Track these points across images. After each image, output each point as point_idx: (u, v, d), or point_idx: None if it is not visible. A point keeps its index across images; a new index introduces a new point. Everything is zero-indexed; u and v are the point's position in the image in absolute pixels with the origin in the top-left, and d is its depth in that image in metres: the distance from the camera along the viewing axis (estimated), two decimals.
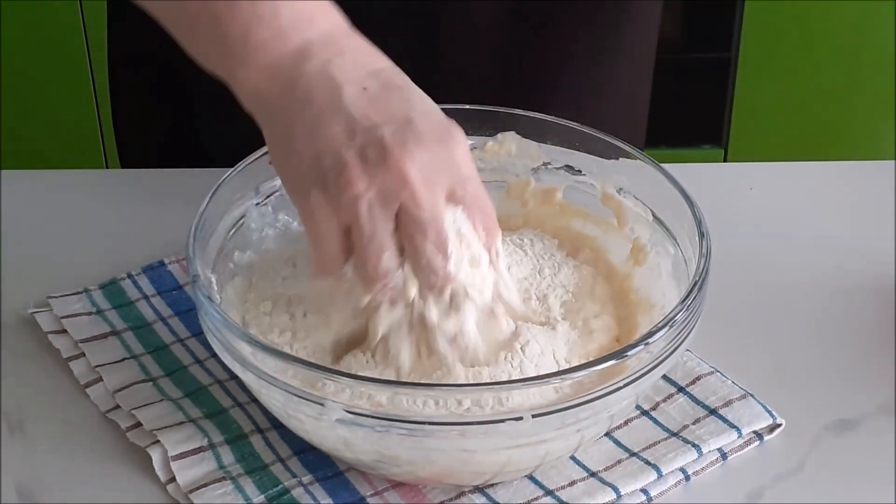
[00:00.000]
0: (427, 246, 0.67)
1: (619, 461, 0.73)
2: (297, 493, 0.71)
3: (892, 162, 0.99)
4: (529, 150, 0.83)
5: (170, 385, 0.78)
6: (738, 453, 0.75)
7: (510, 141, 0.83)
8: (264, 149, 0.79)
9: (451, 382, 0.69)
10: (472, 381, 0.69)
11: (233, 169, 0.78)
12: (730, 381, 0.78)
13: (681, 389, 0.78)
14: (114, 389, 0.78)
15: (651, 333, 0.67)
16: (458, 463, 0.68)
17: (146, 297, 0.85)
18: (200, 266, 0.72)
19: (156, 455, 0.73)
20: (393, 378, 0.70)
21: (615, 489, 0.71)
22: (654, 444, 0.74)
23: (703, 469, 0.74)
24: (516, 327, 0.72)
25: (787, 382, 0.79)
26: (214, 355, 0.74)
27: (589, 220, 0.82)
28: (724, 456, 0.74)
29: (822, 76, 2.02)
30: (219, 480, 0.72)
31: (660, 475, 0.72)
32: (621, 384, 0.66)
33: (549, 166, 0.83)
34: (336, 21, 0.70)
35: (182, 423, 0.75)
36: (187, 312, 0.84)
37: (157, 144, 1.08)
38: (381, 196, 0.66)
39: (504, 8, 0.96)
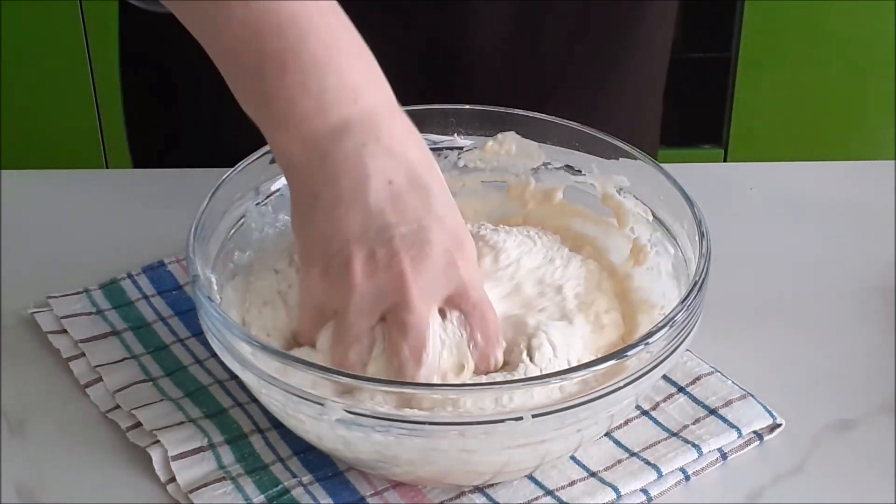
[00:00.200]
0: (404, 348, 0.68)
1: (619, 461, 0.73)
2: (297, 493, 0.71)
3: (892, 162, 0.99)
4: (529, 150, 0.83)
5: (170, 385, 0.78)
6: (738, 453, 0.75)
7: (510, 141, 0.83)
8: (264, 149, 0.79)
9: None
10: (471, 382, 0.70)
11: (233, 169, 0.78)
12: (730, 381, 0.78)
13: (681, 389, 0.78)
14: (114, 389, 0.78)
15: (651, 333, 0.67)
16: (458, 463, 0.68)
17: (146, 297, 0.85)
18: (200, 266, 0.72)
19: (156, 455, 0.73)
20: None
21: (615, 489, 0.71)
22: (654, 444, 0.74)
23: (703, 469, 0.74)
24: (534, 325, 0.72)
25: (787, 382, 0.79)
26: (214, 355, 0.74)
27: (589, 220, 0.82)
28: (724, 456, 0.74)
29: (823, 76, 2.02)
30: (219, 480, 0.72)
31: (660, 475, 0.72)
32: (621, 384, 0.66)
33: (549, 166, 0.83)
34: (381, 98, 0.70)
35: (182, 423, 0.75)
36: (187, 312, 0.84)
37: (169, 143, 1.08)
38: (374, 294, 0.68)
39: (519, 8, 0.96)
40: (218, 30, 0.70)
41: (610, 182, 0.81)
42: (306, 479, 0.72)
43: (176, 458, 0.73)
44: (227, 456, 0.73)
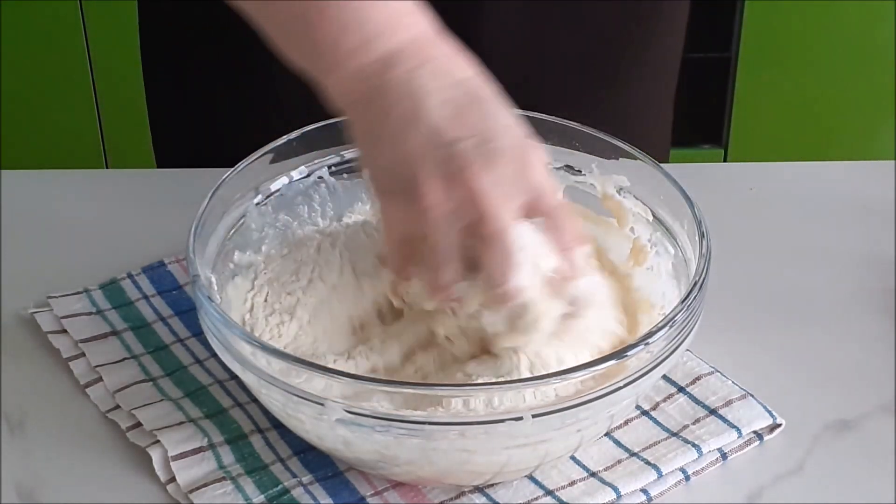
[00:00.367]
0: (492, 261, 0.68)
1: (619, 461, 0.73)
2: (297, 493, 0.71)
3: (892, 162, 0.99)
4: None
5: (170, 385, 0.78)
6: (738, 453, 0.75)
7: None
8: (264, 148, 0.79)
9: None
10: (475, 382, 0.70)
11: (233, 169, 0.78)
12: (730, 381, 0.78)
13: (681, 389, 0.78)
14: (114, 389, 0.78)
15: (651, 333, 0.67)
16: (458, 463, 0.68)
17: (146, 297, 0.85)
18: (200, 266, 0.72)
19: (156, 455, 0.73)
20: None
21: (615, 489, 0.71)
22: (654, 444, 0.74)
23: (703, 469, 0.74)
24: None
25: (787, 382, 0.79)
26: (214, 355, 0.74)
27: (589, 220, 0.82)
28: (724, 456, 0.74)
29: (822, 76, 2.02)
30: (219, 480, 0.72)
31: (660, 475, 0.72)
32: (621, 384, 0.66)
33: (549, 166, 0.83)
34: (424, 26, 0.71)
35: (182, 423, 0.75)
36: (187, 312, 0.84)
37: (193, 142, 1.08)
38: (453, 210, 0.67)
39: (533, 7, 0.96)
40: None
41: (610, 182, 0.81)
42: (306, 479, 0.72)
43: (176, 458, 0.73)
44: (227, 456, 0.73)
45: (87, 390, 0.78)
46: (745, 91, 2.04)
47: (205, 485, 0.71)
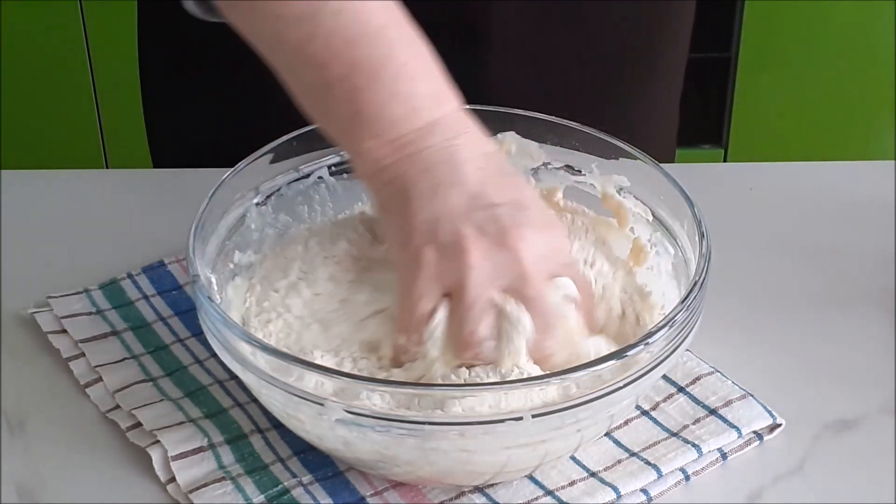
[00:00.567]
0: (535, 321, 0.69)
1: (619, 461, 0.73)
2: (297, 493, 0.71)
3: (892, 162, 0.99)
4: (529, 150, 0.83)
5: (170, 385, 0.78)
6: (738, 453, 0.75)
7: (510, 141, 0.83)
8: (264, 149, 0.79)
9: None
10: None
11: (233, 169, 0.78)
12: (730, 381, 0.78)
13: (681, 389, 0.78)
14: (114, 389, 0.78)
15: (651, 333, 0.67)
16: (458, 463, 0.68)
17: (146, 297, 0.85)
18: (200, 266, 0.72)
19: (156, 455, 0.73)
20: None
21: (615, 489, 0.71)
22: (654, 444, 0.74)
23: (703, 469, 0.74)
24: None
25: (787, 382, 0.79)
26: (214, 355, 0.74)
27: (589, 220, 0.82)
28: (724, 456, 0.74)
29: (822, 76, 2.02)
30: (219, 480, 0.72)
31: (660, 475, 0.72)
32: (621, 384, 0.66)
33: (549, 166, 0.83)
34: (458, 102, 0.73)
35: (182, 423, 0.75)
36: (187, 312, 0.84)
37: (191, 143, 1.08)
38: (492, 269, 0.69)
39: (541, 9, 0.96)
40: (303, 40, 0.71)
41: (610, 182, 0.81)
42: (306, 479, 0.72)
43: (176, 458, 0.73)
44: (227, 456, 0.73)
45: (87, 390, 0.78)
46: (745, 91, 2.04)
47: (205, 485, 0.71)
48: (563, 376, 0.66)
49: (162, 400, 0.77)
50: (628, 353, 0.66)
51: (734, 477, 0.74)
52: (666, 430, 0.75)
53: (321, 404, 0.65)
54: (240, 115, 1.00)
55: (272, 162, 0.80)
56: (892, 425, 0.77)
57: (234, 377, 0.77)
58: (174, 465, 0.72)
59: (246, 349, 0.68)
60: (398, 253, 0.71)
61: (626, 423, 0.76)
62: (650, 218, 0.79)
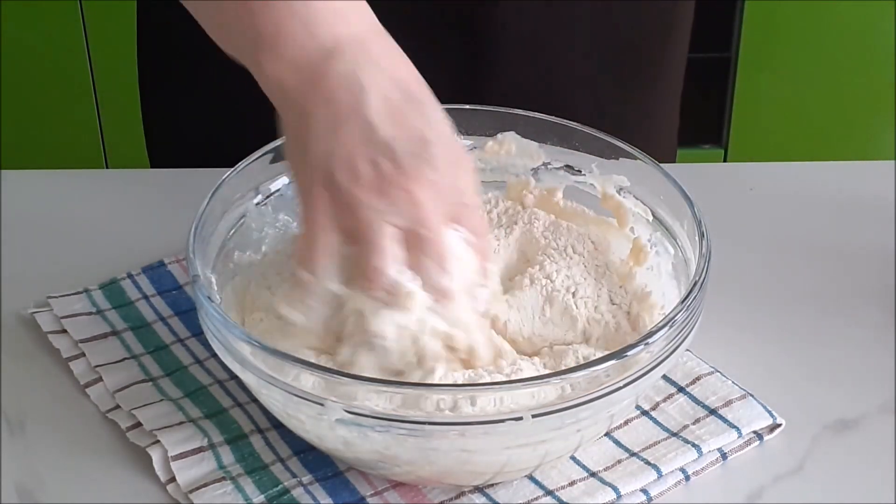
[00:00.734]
0: (431, 264, 0.69)
1: (619, 461, 0.73)
2: (297, 493, 0.71)
3: (892, 162, 0.99)
4: (529, 150, 0.83)
5: (170, 385, 0.78)
6: (738, 453, 0.75)
7: (510, 141, 0.83)
8: (264, 149, 0.79)
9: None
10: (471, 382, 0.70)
11: (233, 169, 0.78)
12: (730, 381, 0.78)
13: (681, 389, 0.78)
14: (114, 389, 0.78)
15: (651, 333, 0.67)
16: (458, 463, 0.68)
17: (146, 297, 0.85)
18: (200, 266, 0.72)
19: (156, 455, 0.73)
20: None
21: (615, 489, 0.71)
22: (654, 444, 0.74)
23: (703, 469, 0.74)
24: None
25: (787, 382, 0.79)
26: (214, 355, 0.74)
27: (589, 220, 0.82)
28: (724, 456, 0.74)
29: (822, 76, 2.02)
30: (219, 480, 0.72)
31: (660, 475, 0.72)
32: (621, 384, 0.66)
33: (549, 166, 0.83)
34: (369, 22, 0.71)
35: (182, 423, 0.75)
36: (187, 312, 0.84)
37: (189, 144, 1.08)
38: (388, 209, 0.67)
39: (542, 10, 0.96)
40: None
41: (610, 182, 0.81)
42: (306, 479, 0.72)
43: (176, 458, 0.73)
44: (227, 456, 0.73)
45: (87, 390, 0.78)
46: (745, 91, 2.04)
47: (205, 485, 0.71)
48: (563, 376, 0.66)
49: (162, 400, 0.77)
50: (628, 353, 0.66)
51: (734, 477, 0.74)
52: (666, 430, 0.75)
53: (321, 404, 0.65)
54: (240, 116, 1.00)
55: (272, 162, 0.80)
56: (892, 425, 0.77)
57: (234, 377, 0.77)
58: (174, 465, 0.72)
59: (246, 349, 0.68)
60: (298, 190, 0.71)
61: (626, 423, 0.76)
62: (650, 218, 0.79)
